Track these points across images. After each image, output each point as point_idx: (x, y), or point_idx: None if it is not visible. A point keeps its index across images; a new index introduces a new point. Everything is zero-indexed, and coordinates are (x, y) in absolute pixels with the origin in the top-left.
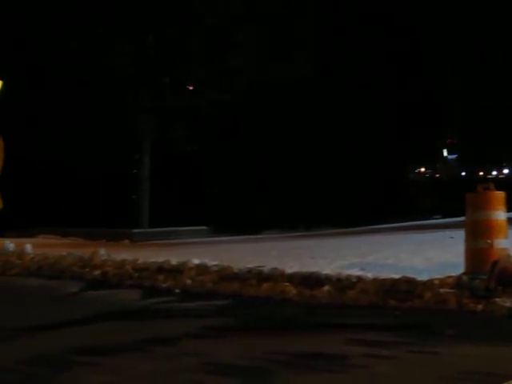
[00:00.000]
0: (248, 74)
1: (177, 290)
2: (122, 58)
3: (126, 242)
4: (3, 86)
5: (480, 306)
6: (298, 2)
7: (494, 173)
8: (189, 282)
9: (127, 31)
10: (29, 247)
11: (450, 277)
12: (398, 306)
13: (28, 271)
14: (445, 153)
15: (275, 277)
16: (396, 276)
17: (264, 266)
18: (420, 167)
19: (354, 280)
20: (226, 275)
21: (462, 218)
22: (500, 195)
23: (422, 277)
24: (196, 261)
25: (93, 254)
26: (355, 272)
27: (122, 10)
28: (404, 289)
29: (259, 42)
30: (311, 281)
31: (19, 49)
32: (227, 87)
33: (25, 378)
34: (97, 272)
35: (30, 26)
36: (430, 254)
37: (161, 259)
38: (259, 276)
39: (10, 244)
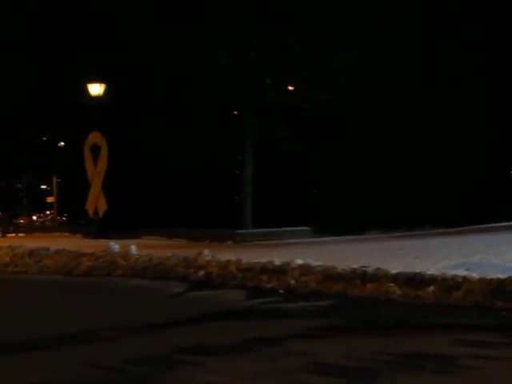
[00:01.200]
0: (351, 73)
1: (281, 291)
2: (224, 58)
3: (229, 242)
4: (105, 89)
5: None
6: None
7: None
8: (293, 282)
9: (229, 32)
10: (133, 248)
11: None
12: (505, 307)
13: (133, 272)
14: None
15: (379, 277)
16: (502, 276)
17: (368, 267)
18: None
19: (460, 280)
20: (329, 275)
21: None
22: None
23: None
24: (300, 261)
25: (197, 255)
26: (460, 272)
27: (225, 10)
28: (511, 289)
29: (363, 40)
30: (416, 281)
31: (121, 52)
32: (329, 87)
33: (131, 378)
34: (201, 272)
35: (131, 27)
36: None
37: (264, 260)
38: (363, 276)
39: (115, 245)
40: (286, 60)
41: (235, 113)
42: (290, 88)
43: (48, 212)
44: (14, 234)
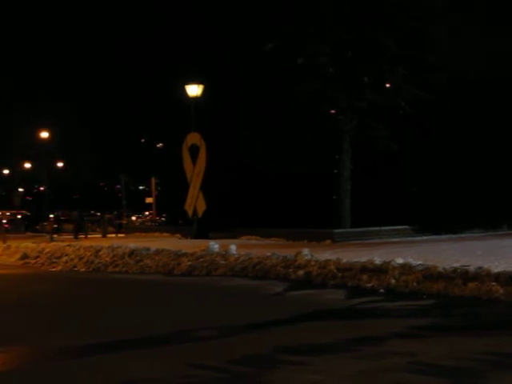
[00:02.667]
0: (449, 71)
1: (381, 290)
2: (320, 58)
3: (328, 241)
4: (203, 90)
5: None
6: None
7: None
8: (393, 281)
9: (325, 32)
10: (233, 248)
11: None
12: None
13: (232, 271)
14: None
15: (481, 276)
16: None
17: (469, 266)
18: None
19: None
20: (430, 275)
21: None
22: None
23: None
24: (400, 260)
25: (296, 255)
26: None
27: (322, 11)
28: None
29: (461, 38)
30: None
31: (220, 53)
32: (427, 85)
33: (233, 377)
34: (300, 272)
35: (230, 29)
36: None
37: (364, 259)
38: (465, 275)
39: (214, 245)
40: (384, 58)
41: (332, 112)
42: (388, 85)
43: (147, 212)
44: (114, 235)
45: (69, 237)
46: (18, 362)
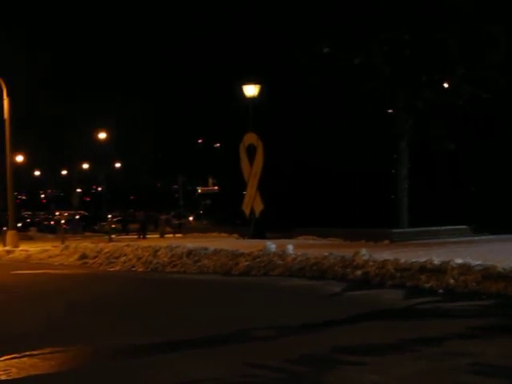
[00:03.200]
0: (508, 70)
1: (440, 290)
2: (377, 57)
3: (386, 241)
4: (260, 90)
5: None
6: None
7: None
8: (452, 281)
9: (382, 31)
10: (290, 248)
11: None
12: None
13: (290, 272)
14: None
15: None
16: None
17: None
18: None
19: None
20: (489, 275)
21: None
22: None
23: None
24: (459, 260)
25: (354, 255)
26: None
27: (377, 10)
28: None
29: None
30: None
31: (273, 52)
32: (485, 84)
33: (291, 377)
34: (358, 272)
35: (284, 30)
36: None
37: (422, 259)
38: None
39: (271, 245)
40: (441, 57)
41: (390, 111)
42: (446, 85)
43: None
44: (171, 235)
45: (128, 237)
46: (79, 361)
